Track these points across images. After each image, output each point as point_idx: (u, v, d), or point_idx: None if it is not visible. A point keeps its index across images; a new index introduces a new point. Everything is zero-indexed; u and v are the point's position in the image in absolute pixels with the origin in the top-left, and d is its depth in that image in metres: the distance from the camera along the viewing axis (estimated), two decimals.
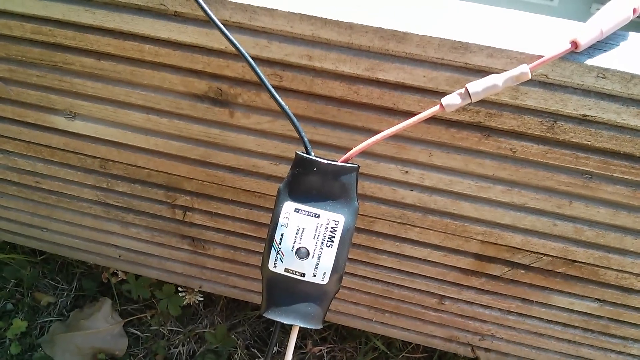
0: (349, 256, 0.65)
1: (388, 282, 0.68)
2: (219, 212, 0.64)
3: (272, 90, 0.42)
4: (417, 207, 0.57)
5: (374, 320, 0.75)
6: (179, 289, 0.85)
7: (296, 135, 0.43)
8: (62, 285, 0.92)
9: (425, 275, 0.65)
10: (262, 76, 0.42)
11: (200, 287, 0.79)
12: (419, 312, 0.70)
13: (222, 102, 0.52)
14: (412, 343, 0.85)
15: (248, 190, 0.60)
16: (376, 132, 0.43)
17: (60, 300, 0.91)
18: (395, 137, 0.50)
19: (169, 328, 0.87)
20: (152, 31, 0.49)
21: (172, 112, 0.55)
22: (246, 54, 0.42)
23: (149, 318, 0.88)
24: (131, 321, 0.88)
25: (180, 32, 0.48)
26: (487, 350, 0.73)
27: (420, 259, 0.62)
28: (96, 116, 0.58)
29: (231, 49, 0.43)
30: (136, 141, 0.59)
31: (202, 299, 0.86)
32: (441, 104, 0.42)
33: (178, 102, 0.54)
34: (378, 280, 0.68)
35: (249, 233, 0.66)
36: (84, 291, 0.91)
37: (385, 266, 0.65)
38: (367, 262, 0.66)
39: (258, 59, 0.48)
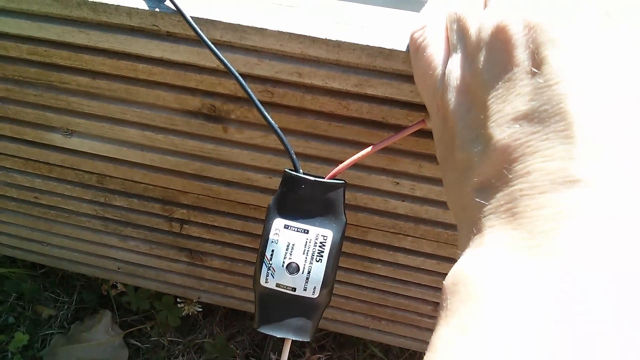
0: (344, 265, 0.67)
1: (383, 291, 0.68)
2: (216, 224, 0.65)
3: (261, 106, 0.43)
4: (409, 217, 0.58)
5: (370, 328, 0.75)
6: (178, 300, 0.86)
7: None
8: (63, 298, 0.93)
9: (420, 283, 0.65)
10: (251, 94, 0.43)
11: (199, 298, 0.80)
12: (415, 319, 0.71)
13: (215, 118, 0.53)
14: (409, 349, 0.86)
15: (243, 203, 0.61)
16: (366, 145, 0.44)
17: (61, 312, 0.92)
18: (385, 149, 0.51)
19: (168, 339, 0.88)
20: (145, 51, 0.50)
21: (167, 128, 0.56)
22: (236, 74, 0.43)
23: (149, 329, 0.89)
24: (131, 332, 0.89)
25: (172, 51, 0.49)
26: None
27: (414, 267, 0.63)
28: (93, 133, 0.59)
29: (223, 67, 0.44)
30: (132, 157, 0.60)
31: (201, 309, 0.87)
32: (424, 120, 0.43)
33: (172, 119, 0.55)
34: (373, 289, 0.69)
35: (245, 244, 0.67)
36: (84, 304, 0.92)
37: (380, 275, 0.66)
38: (362, 271, 0.66)
39: (249, 76, 0.49)
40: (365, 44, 0.44)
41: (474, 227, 0.27)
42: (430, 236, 0.58)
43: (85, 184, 0.66)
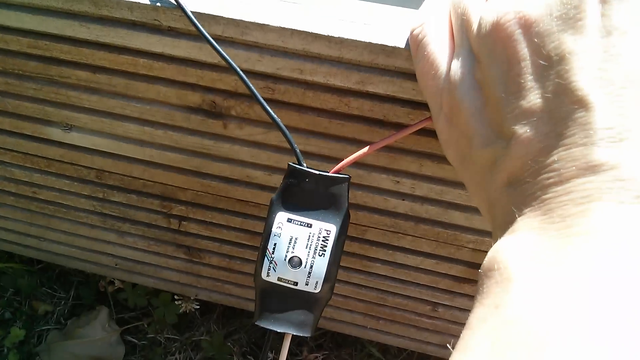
0: (342, 264, 0.66)
1: (382, 290, 0.68)
2: (214, 221, 0.65)
3: (264, 102, 0.43)
4: (409, 216, 0.57)
5: (368, 327, 0.75)
6: (175, 297, 0.86)
7: (289, 146, 0.44)
8: (60, 293, 0.93)
9: (418, 283, 0.65)
10: (254, 89, 0.43)
11: (196, 295, 0.80)
12: (413, 319, 0.71)
13: (215, 114, 0.53)
14: (407, 349, 0.86)
15: (242, 200, 0.61)
16: (367, 143, 0.44)
17: (57, 308, 0.92)
18: (386, 148, 0.51)
19: (165, 336, 0.88)
20: (146, 45, 0.50)
21: (166, 124, 0.56)
22: (238, 69, 0.43)
23: (146, 326, 0.89)
24: (128, 329, 0.89)
25: (173, 46, 0.49)
26: None
27: (412, 266, 0.63)
28: (92, 128, 0.59)
29: (224, 62, 0.44)
30: (132, 152, 0.60)
31: (199, 306, 0.86)
32: (430, 117, 0.43)
33: (172, 114, 0.54)
34: (372, 288, 0.69)
35: (243, 242, 0.67)
36: (81, 300, 0.92)
37: (378, 274, 0.66)
38: (361, 270, 0.66)
39: (250, 73, 0.48)
40: (367, 41, 0.44)
41: (506, 221, 0.27)
42: (430, 236, 0.58)
43: (84, 179, 0.66)
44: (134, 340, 0.88)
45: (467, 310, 0.67)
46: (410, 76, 0.45)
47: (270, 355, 0.84)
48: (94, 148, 0.61)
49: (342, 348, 0.87)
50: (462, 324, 0.67)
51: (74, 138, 0.61)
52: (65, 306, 0.92)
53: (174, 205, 0.65)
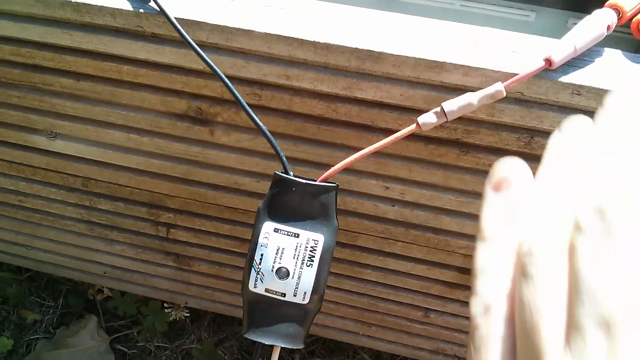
0: (333, 271, 0.66)
1: (373, 296, 0.68)
2: (203, 228, 0.64)
3: (249, 109, 0.42)
4: (400, 222, 0.57)
5: (360, 333, 0.75)
6: (165, 304, 0.85)
7: None
8: (48, 302, 0.92)
9: (410, 289, 0.65)
10: (239, 96, 0.42)
11: (186, 303, 0.79)
12: (405, 325, 0.70)
13: (202, 120, 0.52)
14: (399, 355, 0.85)
15: (231, 207, 0.60)
16: (356, 149, 0.43)
17: (46, 317, 0.90)
18: (376, 154, 0.50)
19: (155, 344, 0.87)
20: (130, 52, 0.49)
21: (152, 131, 0.55)
22: (223, 76, 0.42)
23: (136, 334, 0.88)
24: (117, 338, 0.88)
25: (158, 53, 0.48)
26: None
27: (404, 272, 0.63)
28: (77, 136, 0.58)
29: (209, 69, 0.43)
30: (117, 160, 0.59)
31: (189, 314, 0.85)
32: (417, 123, 0.42)
33: (158, 121, 0.54)
34: (363, 294, 0.68)
35: (233, 249, 0.66)
36: (70, 308, 0.91)
37: (370, 280, 0.65)
38: (352, 277, 0.66)
39: (236, 79, 0.48)
40: (354, 46, 0.43)
41: None
42: (421, 241, 0.58)
43: (70, 187, 0.65)
44: (123, 349, 0.87)
45: (459, 316, 0.67)
46: (398, 82, 0.45)
47: None
48: (80, 156, 0.60)
49: (334, 355, 0.86)
50: (454, 330, 0.67)
51: (59, 146, 0.60)
52: (54, 315, 0.90)
53: (161, 212, 0.64)
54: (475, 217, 0.54)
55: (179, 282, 0.75)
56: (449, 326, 0.68)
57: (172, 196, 0.61)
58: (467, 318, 0.66)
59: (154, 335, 0.87)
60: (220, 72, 0.43)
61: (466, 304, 0.64)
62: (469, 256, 0.58)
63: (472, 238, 0.56)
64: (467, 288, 0.62)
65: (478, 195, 0.52)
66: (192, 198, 0.61)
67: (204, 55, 0.43)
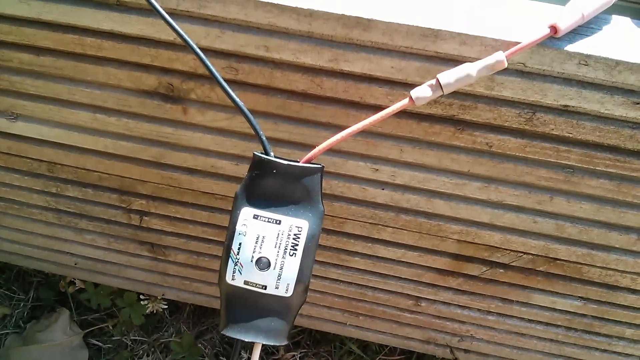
0: (319, 259, 0.62)
1: (361, 285, 0.64)
2: (178, 216, 0.60)
3: (225, 84, 0.38)
4: (389, 207, 0.53)
5: (348, 323, 0.71)
6: (141, 296, 0.80)
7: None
8: (19, 295, 0.87)
9: (400, 277, 0.61)
10: (213, 69, 0.38)
11: (163, 295, 0.74)
12: (395, 314, 0.67)
13: (173, 98, 0.48)
14: (388, 346, 0.82)
15: (208, 193, 0.56)
16: (342, 127, 0.39)
17: (16, 311, 0.86)
18: (364, 133, 0.46)
19: (132, 338, 0.83)
20: (93, 23, 0.44)
21: (120, 110, 0.50)
22: (195, 46, 0.38)
23: (111, 328, 0.84)
24: (92, 331, 0.83)
25: (123, 22, 0.43)
26: (466, 351, 0.70)
27: (394, 260, 0.59)
28: (39, 116, 0.54)
29: (180, 40, 0.38)
30: (84, 142, 0.54)
31: (167, 306, 0.81)
32: (410, 97, 0.38)
33: (126, 99, 0.49)
34: (351, 283, 0.64)
35: (211, 237, 0.62)
36: (41, 301, 0.86)
37: (357, 268, 0.62)
38: (339, 265, 0.62)
39: (211, 51, 0.43)
40: (340, 13, 0.39)
41: None
42: (412, 227, 0.54)
43: (35, 172, 0.60)
44: (98, 343, 0.83)
45: (452, 305, 0.64)
46: (389, 52, 0.41)
47: (245, 355, 0.80)
48: (43, 138, 0.56)
49: (320, 345, 0.83)
50: (447, 319, 0.64)
51: (20, 128, 0.55)
52: (25, 308, 0.86)
53: (133, 199, 0.60)
54: (470, 200, 0.50)
55: (154, 272, 0.70)
56: (440, 315, 0.65)
57: (143, 181, 0.57)
58: (460, 306, 0.63)
59: (130, 329, 0.83)
60: (192, 43, 0.38)
61: (459, 291, 0.61)
62: (463, 242, 0.55)
63: (466, 223, 0.52)
64: (461, 275, 0.59)
65: (474, 177, 0.48)
66: (166, 183, 0.56)
67: (174, 25, 0.38)
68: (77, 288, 0.83)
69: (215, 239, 0.62)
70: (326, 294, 0.67)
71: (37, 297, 0.86)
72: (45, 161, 0.59)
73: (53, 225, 0.68)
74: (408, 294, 0.63)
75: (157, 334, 0.83)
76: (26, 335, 0.82)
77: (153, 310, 0.80)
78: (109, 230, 0.65)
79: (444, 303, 0.63)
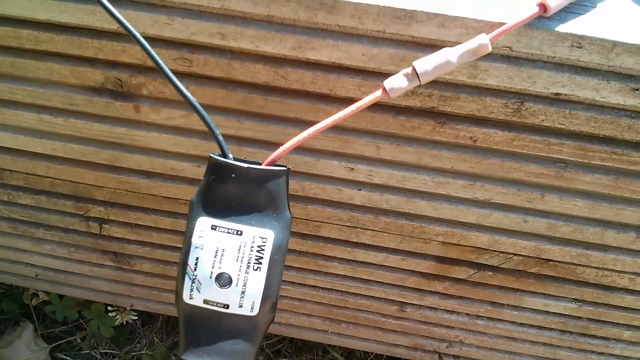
0: (295, 265, 0.58)
1: (342, 291, 0.60)
2: (140, 223, 0.55)
3: (173, 78, 0.34)
4: (368, 208, 0.49)
5: (329, 331, 0.67)
6: (110, 308, 0.75)
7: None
8: None
9: (383, 282, 0.57)
10: (159, 61, 0.34)
11: (132, 306, 0.70)
12: (379, 320, 0.63)
13: (123, 94, 0.43)
14: (373, 352, 0.78)
15: (170, 197, 0.52)
16: (312, 123, 0.35)
17: None
18: (336, 129, 0.42)
19: (102, 351, 0.78)
20: (27, 12, 0.39)
21: (66, 109, 0.45)
22: (138, 36, 0.33)
23: (80, 341, 0.79)
24: (59, 345, 0.79)
25: (60, 11, 0.39)
26: (455, 357, 0.66)
27: (375, 264, 0.55)
28: None
29: (124, 29, 0.34)
30: (30, 146, 0.50)
31: (137, 317, 0.76)
32: (384, 88, 0.34)
33: (71, 97, 0.44)
34: (330, 290, 0.60)
35: (177, 245, 0.58)
36: (5, 314, 0.81)
37: (337, 274, 0.57)
38: (317, 271, 0.58)
39: (160, 40, 0.39)
40: None
41: None
42: (393, 229, 0.50)
43: None
44: (66, 357, 0.78)
45: (439, 309, 0.60)
46: (359, 38, 0.36)
47: None
48: None
49: (302, 353, 0.78)
50: (433, 324, 0.59)
51: None
52: None
53: (90, 206, 0.55)
54: (454, 200, 0.46)
55: (120, 283, 0.66)
56: (427, 320, 0.61)
57: (99, 186, 0.52)
58: (447, 311, 0.59)
59: (100, 341, 0.78)
60: (136, 33, 0.34)
61: (446, 296, 0.57)
62: (448, 244, 0.50)
63: (450, 224, 0.48)
64: (447, 279, 0.54)
65: (458, 174, 0.44)
66: (123, 188, 0.51)
67: (114, 11, 0.34)
68: (40, 300, 0.78)
69: (181, 246, 0.57)
70: (305, 302, 0.63)
71: (1, 310, 0.81)
72: None
73: (9, 235, 0.63)
74: (392, 300, 0.59)
75: (129, 347, 0.78)
76: None
77: (123, 322, 0.75)
78: (68, 240, 0.60)
79: (431, 308, 0.59)
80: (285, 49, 0.37)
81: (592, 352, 0.59)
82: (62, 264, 0.65)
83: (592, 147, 0.40)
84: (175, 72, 0.34)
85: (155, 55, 0.34)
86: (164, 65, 0.34)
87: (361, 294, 0.60)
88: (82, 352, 0.78)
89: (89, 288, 0.68)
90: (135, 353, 0.78)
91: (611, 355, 0.59)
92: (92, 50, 0.41)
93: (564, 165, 0.42)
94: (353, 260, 0.55)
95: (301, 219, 0.51)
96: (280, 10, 0.35)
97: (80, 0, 0.38)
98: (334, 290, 0.60)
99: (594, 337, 0.57)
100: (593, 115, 0.38)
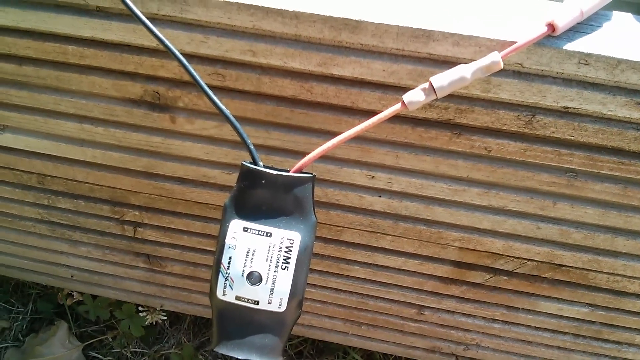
0: (318, 268, 0.60)
1: (362, 294, 0.62)
2: (172, 226, 0.59)
3: (209, 92, 0.37)
4: (387, 214, 0.51)
5: (350, 333, 0.69)
6: (140, 308, 0.79)
7: None
8: (17, 307, 0.86)
9: (402, 285, 0.59)
10: (197, 76, 0.37)
11: (161, 306, 0.73)
12: (398, 323, 0.65)
13: (161, 106, 0.46)
14: (393, 355, 0.80)
15: (201, 203, 0.55)
16: (335, 134, 0.37)
17: (15, 324, 0.85)
18: (358, 139, 0.45)
19: (132, 350, 0.81)
20: (73, 30, 0.43)
21: (107, 120, 0.49)
22: (177, 53, 0.36)
23: (111, 340, 0.82)
24: (91, 344, 0.82)
25: (104, 29, 0.42)
26: None
27: (394, 268, 0.57)
28: (26, 128, 0.52)
29: (163, 46, 0.37)
30: (72, 153, 0.53)
31: (166, 317, 0.80)
32: (403, 102, 0.36)
33: (112, 109, 0.48)
34: (352, 292, 0.63)
35: (207, 248, 0.61)
36: (40, 314, 0.85)
37: (358, 277, 0.60)
38: (339, 274, 0.60)
39: (195, 57, 0.42)
40: (327, 14, 0.37)
41: None
42: (412, 234, 0.52)
43: (26, 184, 0.59)
44: (98, 356, 0.81)
45: (456, 313, 0.62)
46: (380, 55, 0.39)
47: None
48: (31, 150, 0.54)
49: (323, 355, 0.81)
50: (451, 327, 0.62)
51: (8, 140, 0.54)
52: (24, 322, 0.85)
53: (126, 210, 0.58)
54: (470, 207, 0.48)
55: (152, 284, 0.69)
56: (445, 323, 0.63)
57: (135, 192, 0.55)
58: (464, 315, 0.61)
59: (130, 341, 0.82)
60: (174, 50, 0.37)
61: (463, 299, 0.59)
62: (465, 249, 0.53)
63: (466, 230, 0.51)
64: (464, 283, 0.57)
65: (473, 183, 0.46)
66: (158, 194, 0.55)
67: (155, 30, 0.37)
68: (75, 300, 0.82)
69: (211, 249, 0.60)
70: (327, 304, 0.65)
71: (36, 309, 0.85)
72: (35, 173, 0.57)
73: (47, 238, 0.66)
74: (411, 303, 0.62)
75: (158, 346, 0.81)
76: (25, 349, 0.81)
77: (152, 322, 0.79)
78: (104, 242, 0.64)
79: (448, 311, 0.61)
80: (311, 65, 0.40)
81: (605, 355, 0.61)
82: (97, 266, 0.68)
83: (600, 158, 0.42)
84: (209, 86, 0.37)
85: (193, 71, 0.37)
86: (200, 80, 0.37)
87: (381, 297, 0.62)
88: (113, 350, 0.82)
89: (121, 289, 0.72)
90: (164, 352, 0.81)
91: (624, 359, 0.61)
92: (132, 65, 0.44)
93: (574, 174, 0.44)
94: (373, 264, 0.58)
95: (324, 224, 0.54)
96: (307, 30, 0.38)
97: (123, 19, 0.41)
98: (355, 293, 0.63)
99: (607, 341, 0.59)
100: (601, 127, 0.40)
